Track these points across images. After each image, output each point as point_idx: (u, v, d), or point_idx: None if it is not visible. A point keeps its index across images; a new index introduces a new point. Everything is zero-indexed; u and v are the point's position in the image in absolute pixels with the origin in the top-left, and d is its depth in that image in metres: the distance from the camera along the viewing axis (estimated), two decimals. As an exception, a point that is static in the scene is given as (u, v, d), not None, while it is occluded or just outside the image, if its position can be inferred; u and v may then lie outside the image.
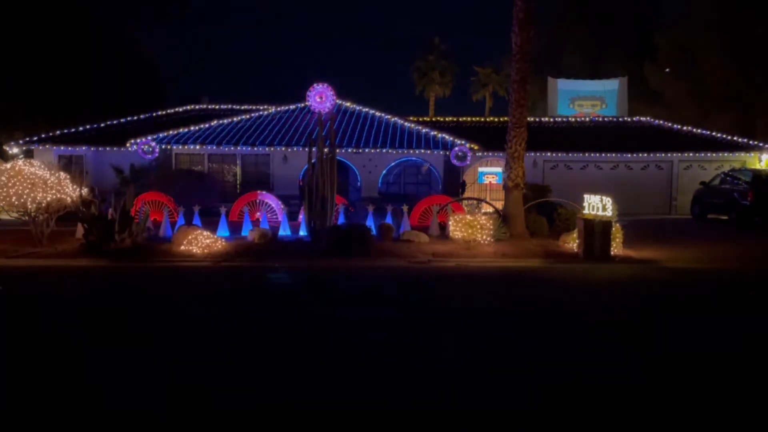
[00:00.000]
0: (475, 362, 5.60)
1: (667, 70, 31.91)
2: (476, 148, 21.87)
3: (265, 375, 5.17)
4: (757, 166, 22.41)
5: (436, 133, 22.89)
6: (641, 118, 27.26)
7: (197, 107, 28.26)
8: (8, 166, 13.34)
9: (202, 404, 4.54)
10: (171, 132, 22.45)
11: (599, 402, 4.62)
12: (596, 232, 11.84)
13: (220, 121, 23.61)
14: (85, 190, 14.37)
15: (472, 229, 13.00)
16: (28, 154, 22.71)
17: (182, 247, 12.26)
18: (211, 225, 14.24)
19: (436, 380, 5.06)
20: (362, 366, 5.43)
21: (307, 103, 23.88)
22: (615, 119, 27.91)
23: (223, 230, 14.48)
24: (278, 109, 25.00)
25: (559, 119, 27.80)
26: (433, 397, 4.68)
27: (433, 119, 29.53)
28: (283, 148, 22.16)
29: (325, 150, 14.32)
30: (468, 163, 22.31)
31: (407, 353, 5.83)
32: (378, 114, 24.60)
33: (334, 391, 4.77)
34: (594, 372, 5.32)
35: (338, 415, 4.33)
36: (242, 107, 27.03)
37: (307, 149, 14.87)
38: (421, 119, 27.45)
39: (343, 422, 4.22)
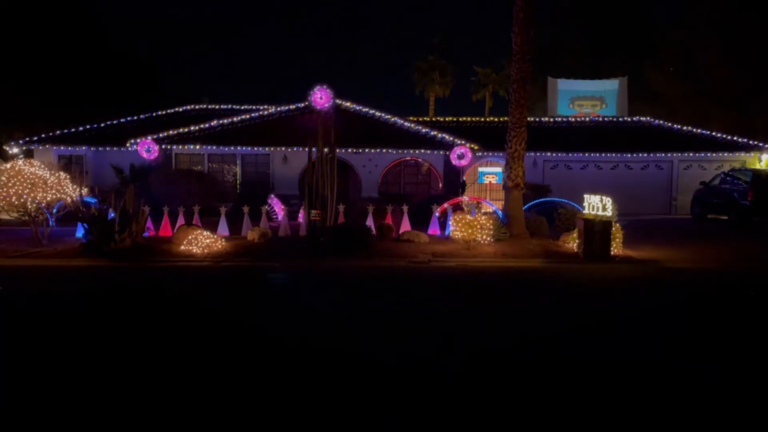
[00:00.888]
0: (472, 368, 5.60)
1: (672, 69, 31.89)
2: (476, 148, 21.88)
3: (262, 376, 5.17)
4: (757, 166, 22.43)
5: (436, 133, 22.88)
6: (641, 118, 27.27)
7: (197, 107, 28.28)
8: (8, 166, 13.35)
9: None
10: (171, 132, 22.46)
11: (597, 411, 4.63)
12: (596, 232, 11.84)
13: (220, 121, 23.62)
14: (85, 190, 14.38)
15: (472, 229, 13.00)
16: (28, 154, 22.72)
17: (182, 247, 12.27)
18: (211, 225, 14.25)
19: (434, 383, 5.06)
20: (362, 365, 5.43)
21: (307, 103, 23.89)
22: (615, 119, 27.92)
23: (223, 230, 14.48)
24: (278, 109, 25.00)
25: (559, 119, 27.80)
26: (430, 407, 4.68)
27: (433, 119, 29.55)
28: (283, 148, 22.15)
29: (325, 150, 14.32)
30: (468, 163, 22.32)
31: (406, 352, 5.82)
32: (378, 114, 24.60)
33: (331, 396, 4.77)
34: (594, 376, 5.32)
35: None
36: (242, 107, 27.05)
37: (307, 149, 14.88)
38: (421, 119, 27.46)
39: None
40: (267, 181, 22.85)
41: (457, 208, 16.46)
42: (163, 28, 73.92)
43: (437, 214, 15.53)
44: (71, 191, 13.54)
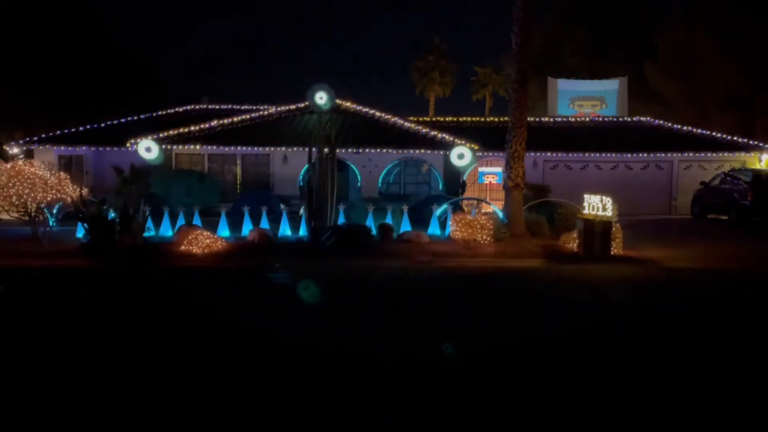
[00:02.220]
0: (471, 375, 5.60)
1: (672, 69, 31.77)
2: (476, 148, 21.86)
3: (262, 376, 5.17)
4: (757, 166, 22.40)
5: (436, 133, 22.86)
6: (641, 118, 27.25)
7: (197, 107, 28.23)
8: (8, 166, 13.35)
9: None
10: (171, 132, 22.43)
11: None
12: (596, 232, 11.85)
13: (220, 121, 23.58)
14: (85, 190, 14.37)
15: (472, 229, 13.01)
16: (28, 154, 22.67)
17: (182, 248, 12.26)
18: (211, 225, 14.24)
19: (434, 383, 5.06)
20: (362, 365, 5.43)
21: (307, 103, 23.85)
22: (615, 119, 27.90)
23: (223, 230, 14.48)
24: (278, 109, 24.97)
25: (559, 119, 27.78)
26: (430, 408, 4.68)
27: (433, 119, 29.50)
28: (283, 148, 22.14)
29: (325, 150, 14.32)
30: (468, 163, 22.28)
31: (406, 352, 5.83)
32: (378, 114, 24.57)
33: (332, 396, 4.77)
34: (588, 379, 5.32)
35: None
36: (242, 107, 27.01)
37: (307, 149, 14.87)
38: (421, 119, 27.42)
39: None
40: (267, 181, 22.84)
41: (457, 207, 16.46)
42: (164, 28, 73.91)
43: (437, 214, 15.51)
44: (71, 191, 13.54)
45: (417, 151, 22.04)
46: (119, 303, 8.18)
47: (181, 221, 14.82)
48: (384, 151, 21.94)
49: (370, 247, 12.54)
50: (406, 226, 14.69)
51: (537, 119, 27.04)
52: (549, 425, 4.22)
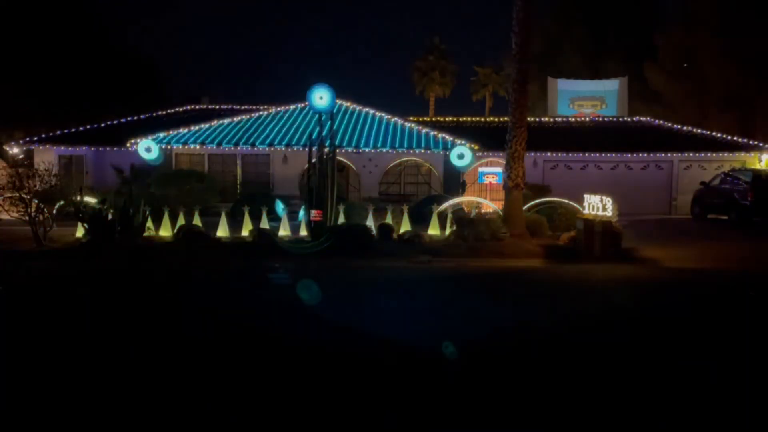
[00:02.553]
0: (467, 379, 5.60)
1: (672, 69, 31.82)
2: (476, 148, 21.87)
3: (261, 376, 5.17)
4: (757, 166, 22.40)
5: (436, 133, 22.88)
6: (641, 118, 27.27)
7: (197, 107, 28.27)
8: (8, 166, 13.37)
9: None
10: (171, 132, 22.46)
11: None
12: (596, 232, 11.85)
13: (220, 121, 23.61)
14: (85, 190, 14.39)
15: (472, 229, 13.00)
16: (28, 154, 22.71)
17: (182, 247, 12.27)
18: (211, 225, 14.24)
19: (434, 383, 5.05)
20: (361, 365, 5.43)
21: (306, 103, 23.85)
22: (615, 119, 27.92)
23: (223, 230, 14.47)
24: (278, 109, 25.00)
25: (559, 119, 27.80)
26: (430, 408, 4.68)
27: (433, 119, 29.53)
28: (283, 148, 22.16)
29: (325, 150, 14.32)
30: (468, 163, 22.29)
31: (406, 352, 5.83)
32: (378, 114, 24.59)
33: (331, 395, 4.77)
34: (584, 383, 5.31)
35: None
36: (242, 107, 27.05)
37: (307, 149, 14.86)
38: (421, 119, 27.45)
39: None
40: (267, 181, 22.86)
41: (457, 207, 16.47)
42: (163, 28, 73.97)
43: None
44: (71, 191, 13.55)
45: (417, 151, 22.05)
46: (119, 303, 8.18)
47: (181, 221, 14.82)
48: (384, 151, 21.95)
49: (369, 247, 12.54)
50: (406, 226, 14.69)
51: (537, 119, 27.06)
52: (549, 425, 4.22)
